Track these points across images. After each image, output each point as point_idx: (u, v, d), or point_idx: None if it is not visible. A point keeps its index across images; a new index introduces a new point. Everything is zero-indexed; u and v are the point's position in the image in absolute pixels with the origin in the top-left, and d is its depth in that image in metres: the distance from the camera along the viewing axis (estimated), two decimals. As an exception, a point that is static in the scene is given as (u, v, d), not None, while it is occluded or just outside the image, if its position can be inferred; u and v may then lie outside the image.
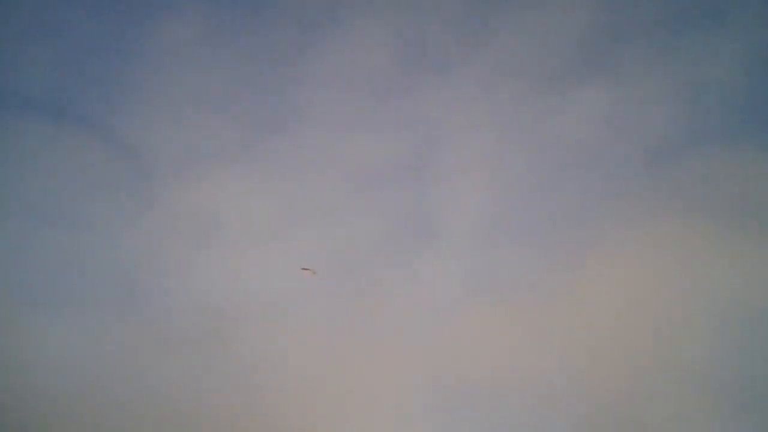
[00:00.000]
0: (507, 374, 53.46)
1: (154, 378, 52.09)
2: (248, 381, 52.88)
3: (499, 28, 67.67)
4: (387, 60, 67.82)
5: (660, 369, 52.59)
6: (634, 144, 62.98)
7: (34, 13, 64.94)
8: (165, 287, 56.84)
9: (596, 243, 59.16)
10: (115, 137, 63.40)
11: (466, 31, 68.32)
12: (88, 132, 62.81)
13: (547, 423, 51.11)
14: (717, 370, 51.88)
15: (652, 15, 65.48)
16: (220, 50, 67.53)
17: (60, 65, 64.33)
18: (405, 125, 66.17)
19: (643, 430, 50.59)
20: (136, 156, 63.15)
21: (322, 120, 66.21)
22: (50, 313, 54.07)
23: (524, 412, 51.92)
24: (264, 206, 62.73)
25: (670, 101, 63.02)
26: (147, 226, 60.20)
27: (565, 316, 55.97)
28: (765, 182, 59.09)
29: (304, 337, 55.17)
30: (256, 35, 68.38)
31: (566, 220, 61.39)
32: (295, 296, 56.72)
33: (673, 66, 63.56)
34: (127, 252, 58.59)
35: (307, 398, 53.03)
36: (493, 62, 67.40)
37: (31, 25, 64.69)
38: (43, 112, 62.03)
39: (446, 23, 68.36)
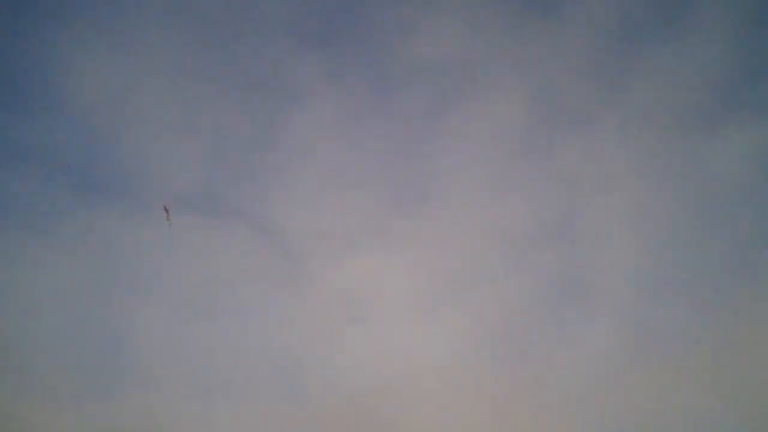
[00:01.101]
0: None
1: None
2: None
3: (635, 73, 67.46)
4: (524, 120, 68.21)
5: None
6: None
7: (181, 115, 68.69)
8: (322, 367, 57.64)
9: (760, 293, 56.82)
10: (264, 223, 65.82)
11: (602, 79, 68.31)
12: (238, 220, 65.57)
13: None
14: None
15: None
16: (358, 132, 69.75)
17: (208, 160, 67.88)
18: (547, 184, 65.86)
19: None
20: (283, 240, 65.11)
21: (463, 187, 66.52)
22: (216, 401, 55.81)
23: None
24: (411, 279, 63.11)
25: None
26: (300, 307, 61.59)
27: (743, 374, 53.30)
28: None
29: (459, 411, 54.40)
30: (392, 113, 70.26)
31: (723, 269, 59.13)
32: (448, 366, 56.63)
33: None
34: (285, 335, 60.08)
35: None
36: (632, 109, 66.74)
37: (182, 123, 68.30)
38: (196, 205, 65.12)
39: (581, 74, 68.51)
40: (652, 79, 67.57)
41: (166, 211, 59.41)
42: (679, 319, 56.73)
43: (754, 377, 52.66)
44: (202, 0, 71.08)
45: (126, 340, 57.31)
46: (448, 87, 70.66)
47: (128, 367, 56.02)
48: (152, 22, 69.14)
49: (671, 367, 54.59)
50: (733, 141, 63.74)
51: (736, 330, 55.40)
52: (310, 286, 62.53)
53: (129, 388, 54.67)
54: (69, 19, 67.25)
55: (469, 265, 63.36)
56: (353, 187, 68.04)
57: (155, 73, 68.93)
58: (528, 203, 65.92)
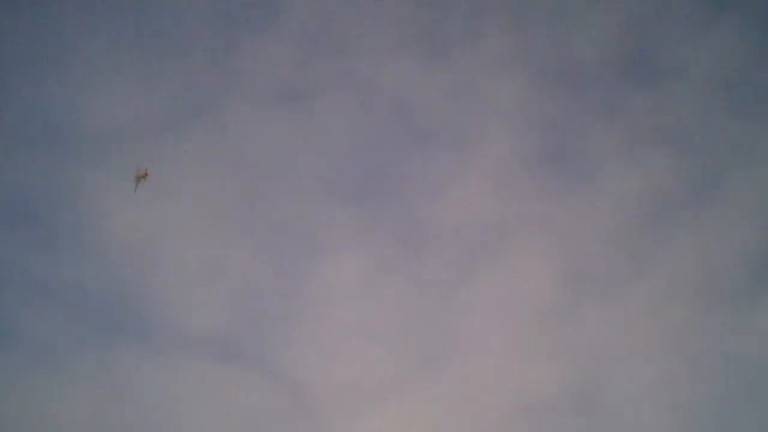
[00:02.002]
0: None
1: None
2: None
3: (664, 246, 68.20)
4: (549, 286, 68.38)
5: None
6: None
7: (201, 258, 69.49)
8: None
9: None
10: (281, 373, 65.07)
11: (630, 250, 68.89)
12: (255, 369, 65.11)
13: None
14: None
15: None
16: (383, 288, 69.50)
17: (227, 304, 67.91)
18: (570, 352, 65.28)
19: None
20: (301, 393, 64.32)
21: (483, 350, 66.06)
22: None
23: None
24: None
25: None
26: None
27: None
28: None
29: None
30: (418, 272, 70.38)
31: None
32: None
33: None
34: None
35: None
36: (660, 281, 67.07)
37: (208, 265, 69.03)
38: (210, 352, 65.31)
39: (610, 243, 69.29)
40: (682, 252, 68.22)
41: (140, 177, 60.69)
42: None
43: None
44: (242, 150, 73.58)
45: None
46: (474, 249, 71.05)
47: None
48: (190, 171, 71.50)
49: None
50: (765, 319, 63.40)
51: None
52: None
53: None
54: (99, 161, 69.51)
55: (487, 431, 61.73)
56: (375, 343, 67.31)
57: (187, 217, 70.51)
58: (551, 371, 64.98)
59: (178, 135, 72.32)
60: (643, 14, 75.09)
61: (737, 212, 68.06)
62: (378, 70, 76.28)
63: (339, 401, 64.09)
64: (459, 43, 77.19)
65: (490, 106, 75.72)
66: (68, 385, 61.34)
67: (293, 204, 72.41)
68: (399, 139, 75.50)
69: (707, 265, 66.87)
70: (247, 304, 68.15)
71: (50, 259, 66.22)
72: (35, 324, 63.21)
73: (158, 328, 65.40)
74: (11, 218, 67.22)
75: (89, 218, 68.10)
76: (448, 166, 74.56)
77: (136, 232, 67.86)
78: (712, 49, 72.79)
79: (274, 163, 73.72)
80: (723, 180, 69.54)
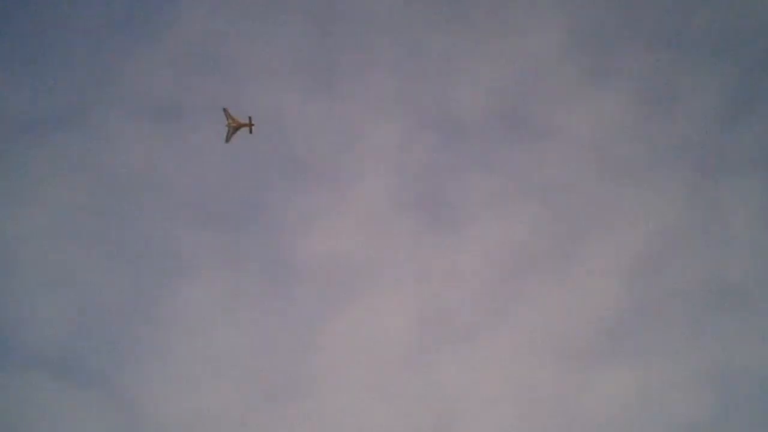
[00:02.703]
0: None
1: None
2: None
3: (525, 299, 68.90)
4: (410, 327, 68.60)
5: None
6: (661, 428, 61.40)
7: (47, 268, 67.54)
8: None
9: None
10: (121, 397, 63.37)
11: (492, 301, 69.30)
12: (92, 389, 63.22)
13: None
14: None
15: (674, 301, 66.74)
16: (240, 315, 68.60)
17: (72, 319, 65.86)
18: (425, 394, 65.31)
19: None
20: (139, 417, 62.57)
21: (338, 388, 65.76)
22: None
23: None
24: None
25: (697, 386, 62.42)
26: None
27: None
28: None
29: None
30: (278, 303, 69.77)
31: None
32: None
33: (701, 350, 63.75)
34: None
35: None
36: (515, 334, 67.61)
37: (44, 273, 67.23)
38: (47, 367, 63.06)
39: (470, 293, 69.40)
40: (539, 308, 68.64)
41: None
42: None
43: None
44: (110, 162, 71.71)
45: None
46: (339, 286, 70.66)
47: None
48: (52, 178, 69.58)
49: None
50: (612, 382, 64.48)
51: None
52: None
53: None
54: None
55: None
56: (225, 373, 66.10)
57: (41, 226, 68.11)
58: (404, 412, 64.99)
59: (44, 139, 70.69)
60: (527, 75, 76.47)
61: (597, 274, 69.21)
62: (260, 95, 75.62)
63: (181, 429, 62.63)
64: (347, 78, 77.26)
65: (370, 146, 75.66)
66: None
67: (157, 222, 71.00)
68: (274, 168, 74.85)
69: (561, 324, 67.57)
70: (93, 320, 66.11)
71: None
72: None
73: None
74: None
75: None
76: (321, 200, 74.28)
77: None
78: (589, 113, 74.52)
79: (142, 178, 72.13)
80: (587, 240, 70.78)
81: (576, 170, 72.81)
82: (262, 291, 70.15)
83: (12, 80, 72.60)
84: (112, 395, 63.17)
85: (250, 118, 63.54)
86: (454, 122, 75.93)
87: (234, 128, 63.20)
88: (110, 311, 66.54)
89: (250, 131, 63.85)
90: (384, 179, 74.57)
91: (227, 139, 63.51)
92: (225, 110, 63.21)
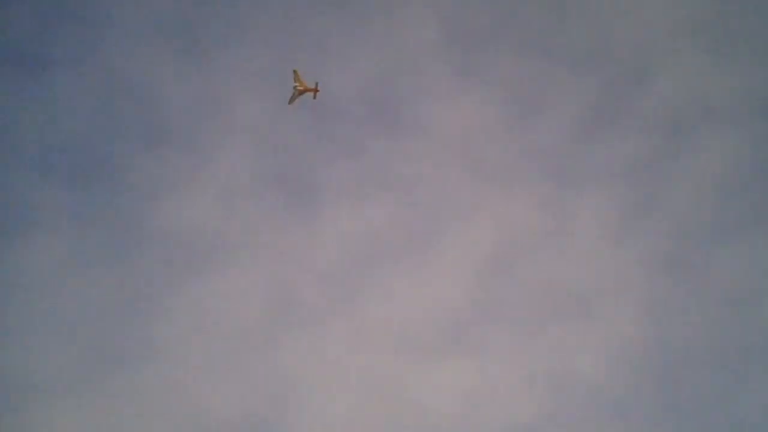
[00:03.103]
0: None
1: None
2: None
3: (373, 288, 69.02)
4: (254, 306, 67.88)
5: None
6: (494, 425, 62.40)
7: None
8: None
9: None
10: None
11: (344, 286, 69.10)
12: None
13: None
14: None
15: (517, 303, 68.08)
16: (80, 277, 66.61)
17: None
18: (264, 378, 64.88)
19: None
20: None
21: (179, 360, 64.61)
22: None
23: None
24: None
25: (531, 386, 63.74)
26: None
27: None
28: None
29: None
30: (123, 265, 68.18)
31: None
32: None
33: (538, 352, 65.21)
34: None
35: None
36: (357, 322, 67.68)
37: None
38: None
39: (320, 277, 69.38)
40: (386, 297, 69.31)
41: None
42: None
43: None
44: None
45: None
46: (189, 258, 69.65)
47: None
48: None
49: None
50: (450, 374, 65.67)
51: None
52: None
53: None
54: None
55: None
56: (58, 335, 64.13)
57: None
58: (238, 393, 64.37)
59: None
60: (400, 68, 76.81)
61: (446, 269, 70.18)
62: (128, 56, 73.59)
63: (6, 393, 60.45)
64: (218, 51, 75.99)
65: (236, 120, 74.51)
66: None
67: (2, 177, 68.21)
68: (135, 131, 73.01)
69: (406, 315, 68.09)
70: None
71: None
72: None
73: None
74: None
75: None
76: (181, 169, 72.90)
77: None
78: (456, 112, 75.49)
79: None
80: (441, 236, 71.58)
81: (438, 166, 73.86)
82: (108, 254, 68.38)
83: None
84: None
85: (317, 83, 63.01)
86: (323, 105, 75.54)
87: (300, 91, 62.64)
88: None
89: (314, 97, 63.21)
90: (246, 155, 73.92)
91: (291, 101, 63.15)
92: (295, 71, 62.74)
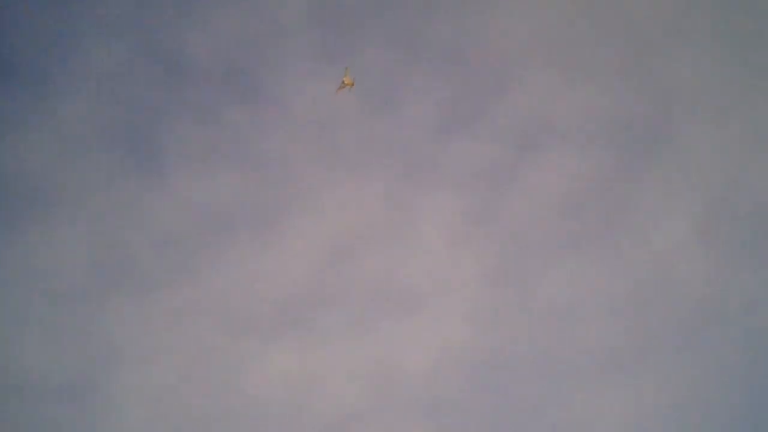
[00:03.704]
0: None
1: None
2: None
3: (213, 268, 67.74)
4: (85, 269, 65.96)
5: None
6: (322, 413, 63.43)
7: None
8: None
9: None
10: None
11: (176, 262, 67.58)
12: None
13: None
14: None
15: (352, 293, 68.77)
16: None
17: None
18: (85, 340, 63.54)
19: None
20: None
21: None
22: None
23: None
24: None
25: (361, 378, 64.76)
26: None
27: None
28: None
29: None
30: None
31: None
32: None
33: (369, 344, 65.97)
34: None
35: None
36: (192, 302, 66.28)
37: None
38: None
39: (161, 245, 67.61)
40: (232, 270, 68.39)
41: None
42: None
43: None
44: None
45: None
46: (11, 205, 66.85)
47: None
48: None
49: None
50: (280, 357, 65.46)
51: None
52: None
53: None
54: None
55: None
56: None
57: None
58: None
59: None
60: (261, 40, 75.23)
61: (288, 255, 70.05)
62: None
63: None
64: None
65: (85, 67, 71.24)
66: None
67: None
68: None
69: (245, 292, 67.87)
70: None
71: None
72: None
73: None
74: None
75: None
76: (18, 112, 69.96)
77: None
78: (316, 92, 74.36)
79: None
80: (284, 219, 71.13)
81: (293, 146, 73.09)
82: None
83: None
84: None
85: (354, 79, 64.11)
86: (177, 65, 73.27)
87: (344, 85, 64.20)
88: None
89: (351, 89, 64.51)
90: (90, 104, 70.72)
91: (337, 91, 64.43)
92: (346, 69, 64.15)
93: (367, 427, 62.44)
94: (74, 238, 66.67)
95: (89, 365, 62.02)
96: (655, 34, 72.90)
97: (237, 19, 75.00)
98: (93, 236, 67.15)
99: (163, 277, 66.37)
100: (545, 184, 71.15)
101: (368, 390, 63.98)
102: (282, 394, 63.32)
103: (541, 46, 74.37)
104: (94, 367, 62.07)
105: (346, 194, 71.82)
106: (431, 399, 64.13)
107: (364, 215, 71.17)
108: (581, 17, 73.80)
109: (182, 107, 72.48)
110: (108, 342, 63.15)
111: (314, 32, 75.72)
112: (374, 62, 75.01)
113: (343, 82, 64.69)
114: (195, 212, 69.47)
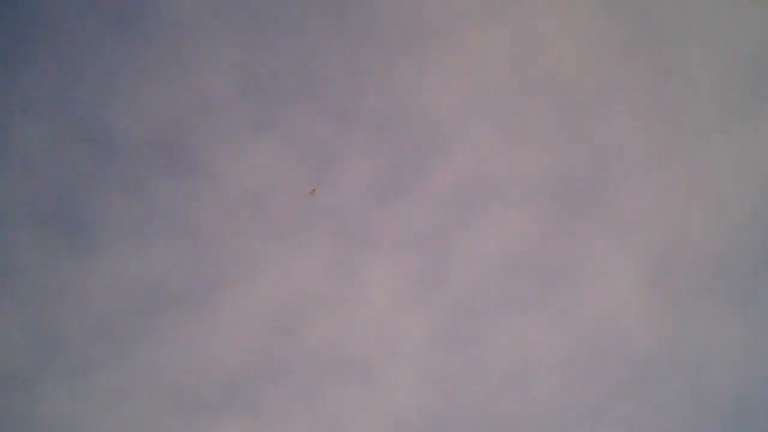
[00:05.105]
0: None
1: None
2: None
3: (159, 338, 66.26)
4: (17, 353, 63.00)
5: None
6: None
7: None
8: None
9: None
10: None
11: (118, 334, 65.95)
12: None
13: None
14: None
15: (301, 367, 67.52)
16: None
17: None
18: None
19: None
20: None
21: None
22: None
23: None
24: None
25: None
26: None
27: None
28: None
29: None
30: None
31: None
32: None
33: (317, 416, 65.11)
34: None
35: None
36: (137, 375, 64.58)
37: None
38: None
39: (98, 322, 65.62)
40: (163, 350, 65.75)
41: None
42: None
43: None
44: None
45: None
46: None
47: None
48: None
49: None
50: None
51: None
52: None
53: None
54: None
55: None
56: None
57: None
58: None
59: None
60: (191, 109, 74.04)
61: (230, 323, 68.10)
62: None
63: None
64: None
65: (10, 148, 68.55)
66: None
67: None
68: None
69: (180, 370, 65.57)
70: None
71: None
72: None
73: None
74: None
75: None
76: None
77: None
78: (249, 162, 73.46)
79: None
80: (228, 290, 69.30)
81: (227, 217, 71.23)
82: None
83: None
84: None
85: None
86: (106, 140, 71.25)
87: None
88: None
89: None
90: (16, 181, 67.99)
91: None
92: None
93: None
94: (5, 320, 63.36)
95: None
96: (588, 92, 73.79)
97: (166, 93, 73.71)
98: (24, 320, 63.94)
99: (100, 356, 63.71)
100: (489, 244, 70.89)
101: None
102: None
103: (476, 106, 74.74)
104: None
105: (286, 265, 70.22)
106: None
107: (307, 284, 69.65)
108: (514, 76, 74.44)
109: (111, 182, 70.46)
110: (43, 429, 59.60)
111: (245, 102, 74.78)
112: (306, 131, 74.36)
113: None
114: (130, 289, 67.09)
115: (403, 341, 67.82)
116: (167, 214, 70.06)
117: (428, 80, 75.76)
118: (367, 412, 64.62)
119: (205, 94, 74.00)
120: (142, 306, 66.54)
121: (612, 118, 72.96)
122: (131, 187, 70.36)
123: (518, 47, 74.54)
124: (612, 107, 73.14)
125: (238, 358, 65.93)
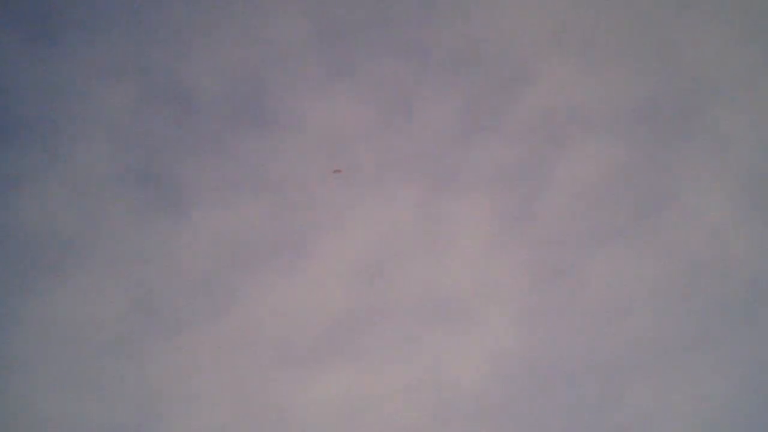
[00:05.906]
0: None
1: None
2: None
3: (250, 293, 66.35)
4: (116, 313, 64.14)
5: None
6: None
7: None
8: None
9: None
10: None
11: (212, 292, 66.34)
12: None
13: None
14: None
15: (395, 309, 67.11)
16: None
17: None
18: (128, 389, 61.79)
19: None
20: None
21: (36, 371, 60.99)
22: None
23: None
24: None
25: (413, 393, 63.38)
26: None
27: None
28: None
29: None
30: None
31: None
32: None
33: (418, 359, 64.68)
34: None
35: None
36: (233, 330, 65.08)
37: None
38: None
39: (191, 282, 66.12)
40: (262, 301, 66.71)
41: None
42: None
43: None
44: None
45: None
46: (43, 258, 65.27)
47: None
48: None
49: None
50: (330, 381, 63.51)
51: None
52: None
53: None
54: None
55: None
56: None
57: None
58: (101, 408, 60.61)
59: None
60: (268, 64, 73.58)
61: (322, 275, 67.99)
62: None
63: None
64: (71, 34, 70.25)
65: (90, 113, 69.14)
66: None
67: None
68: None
69: (282, 323, 65.84)
70: None
71: None
72: None
73: None
74: None
75: None
76: (31, 162, 67.82)
77: None
78: (328, 111, 73.00)
79: None
80: (317, 240, 69.12)
81: (311, 167, 71.08)
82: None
83: None
84: None
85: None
86: (186, 99, 71.54)
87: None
88: None
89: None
90: (102, 150, 68.73)
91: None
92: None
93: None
94: (106, 288, 64.91)
95: (134, 415, 60.09)
96: (675, 13, 71.11)
97: (240, 48, 73.41)
98: (124, 284, 65.25)
99: (199, 314, 64.59)
100: (577, 176, 69.43)
101: (424, 408, 62.12)
102: (337, 421, 61.41)
103: (556, 36, 72.72)
104: (142, 414, 60.44)
105: (372, 210, 69.93)
106: (488, 410, 62.26)
107: (395, 229, 69.29)
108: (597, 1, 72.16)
109: (195, 141, 70.78)
110: (151, 387, 61.43)
111: (320, 50, 74.04)
112: (383, 74, 73.42)
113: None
114: (222, 245, 67.61)
115: (497, 279, 67.27)
116: (252, 169, 70.30)
117: (505, 13, 74.07)
118: (465, 352, 64.55)
119: (280, 44, 73.67)
120: (236, 261, 67.16)
121: (701, 40, 70.47)
122: (214, 145, 70.73)
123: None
124: (700, 27, 70.71)
125: (334, 307, 66.24)
